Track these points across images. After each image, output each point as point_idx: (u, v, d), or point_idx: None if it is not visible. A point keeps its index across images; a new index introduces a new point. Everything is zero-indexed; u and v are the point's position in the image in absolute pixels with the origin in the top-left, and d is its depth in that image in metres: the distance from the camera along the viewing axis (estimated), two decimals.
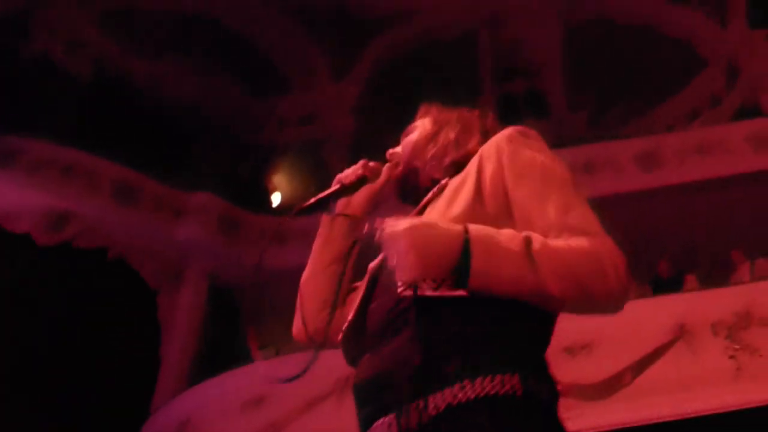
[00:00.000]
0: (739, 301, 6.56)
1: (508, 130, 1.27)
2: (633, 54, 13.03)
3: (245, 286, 10.46)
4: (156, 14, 12.31)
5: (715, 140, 9.82)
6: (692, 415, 5.95)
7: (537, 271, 1.03)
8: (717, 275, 8.46)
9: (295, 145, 13.67)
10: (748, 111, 11.54)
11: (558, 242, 1.07)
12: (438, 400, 1.02)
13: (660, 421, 5.90)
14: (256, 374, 7.58)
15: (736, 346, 6.29)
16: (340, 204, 1.44)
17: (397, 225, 1.05)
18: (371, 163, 1.44)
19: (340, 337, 1.30)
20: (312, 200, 1.37)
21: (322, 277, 1.41)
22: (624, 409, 6.07)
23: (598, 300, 1.07)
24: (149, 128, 11.43)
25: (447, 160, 1.38)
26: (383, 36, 13.92)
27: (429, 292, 1.07)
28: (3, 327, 8.22)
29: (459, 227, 1.06)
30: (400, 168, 1.44)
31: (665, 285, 8.13)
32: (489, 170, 1.21)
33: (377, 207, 1.46)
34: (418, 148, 1.43)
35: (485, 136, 1.38)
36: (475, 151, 1.32)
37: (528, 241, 1.05)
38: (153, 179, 10.27)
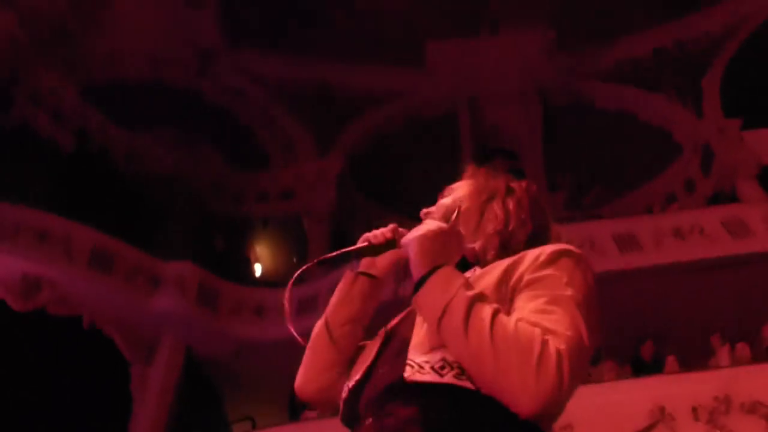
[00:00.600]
0: (720, 385, 6.52)
1: (561, 246, 1.23)
2: (611, 138, 13.41)
3: (222, 359, 10.24)
4: (139, 86, 12.52)
5: (691, 224, 10.00)
6: None
7: (465, 319, 1.05)
8: (697, 357, 8.44)
9: (276, 217, 13.71)
10: (722, 196, 11.83)
11: (510, 318, 1.07)
12: None
13: None
14: None
15: (718, 431, 6.22)
16: (364, 263, 1.41)
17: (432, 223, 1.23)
18: (401, 230, 1.39)
19: (344, 394, 1.28)
20: (337, 252, 1.34)
21: (334, 337, 1.38)
22: None
23: (504, 385, 1.02)
24: (128, 197, 11.46)
25: (495, 244, 1.34)
26: (365, 114, 14.23)
27: (430, 377, 1.08)
28: None
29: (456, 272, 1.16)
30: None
31: (646, 366, 8.09)
32: (517, 272, 1.19)
33: (400, 274, 1.41)
34: (465, 217, 1.40)
35: (535, 222, 1.38)
36: (523, 242, 1.32)
37: (479, 297, 1.09)
38: (130, 246, 10.18)
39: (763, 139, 11.79)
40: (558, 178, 14.51)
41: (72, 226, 9.72)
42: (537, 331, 1.04)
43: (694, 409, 6.34)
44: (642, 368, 8.03)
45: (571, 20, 13.14)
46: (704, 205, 11.48)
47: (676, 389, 6.59)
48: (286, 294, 1.34)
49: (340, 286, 1.42)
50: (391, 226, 1.41)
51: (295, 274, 1.35)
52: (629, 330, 8.41)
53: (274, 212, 13.70)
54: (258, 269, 14.03)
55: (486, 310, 1.07)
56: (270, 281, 12.52)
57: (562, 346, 1.02)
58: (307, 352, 1.41)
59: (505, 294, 1.17)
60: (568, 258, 1.19)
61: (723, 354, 8.18)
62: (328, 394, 1.37)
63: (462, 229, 1.37)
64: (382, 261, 1.40)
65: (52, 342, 8.86)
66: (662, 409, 6.34)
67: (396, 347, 1.23)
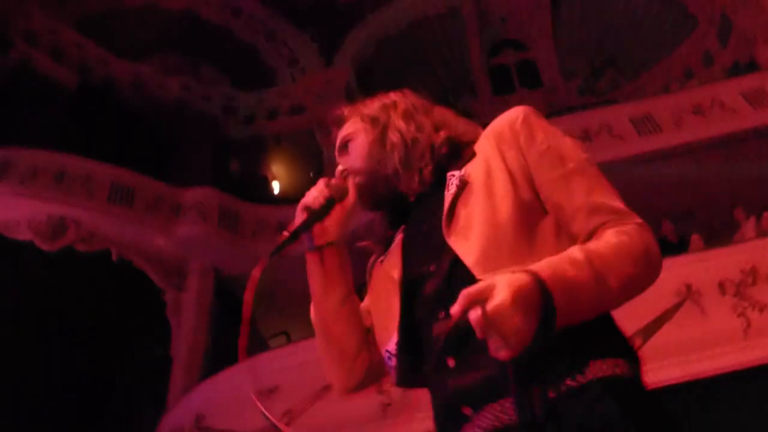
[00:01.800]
0: (746, 258, 6.54)
1: (520, 111, 1.21)
2: (622, 18, 12.93)
3: (249, 276, 10.45)
4: (135, 14, 12.21)
5: (711, 99, 9.75)
6: (703, 376, 5.96)
7: (607, 289, 1.03)
8: (722, 234, 8.44)
9: (288, 133, 13.62)
10: (742, 67, 11.46)
11: (605, 246, 1.06)
12: (554, 386, 1.00)
13: (672, 383, 5.91)
14: (267, 363, 7.61)
15: (745, 304, 6.28)
16: (316, 233, 1.29)
17: (498, 300, 0.92)
18: (333, 181, 1.31)
19: (392, 362, 1.20)
20: (285, 236, 1.22)
21: (341, 324, 1.29)
22: None
23: (650, 282, 1.10)
24: (139, 129, 11.40)
25: (443, 149, 1.27)
26: (368, 19, 13.81)
27: None
28: (14, 333, 8.23)
29: (527, 277, 0.95)
30: (362, 179, 1.30)
31: (671, 247, 8.11)
32: (512, 156, 1.17)
33: (351, 226, 1.33)
34: (376, 154, 1.30)
35: (431, 116, 1.33)
36: (466, 134, 1.28)
37: (590, 264, 1.02)
38: (148, 177, 10.23)
39: None
40: (571, 64, 14.12)
41: (89, 164, 9.76)
42: (622, 236, 1.08)
43: (721, 284, 6.39)
44: (667, 249, 8.06)
45: None
46: (724, 78, 11.13)
47: (702, 266, 6.62)
48: (244, 307, 1.25)
49: (311, 271, 1.31)
50: (320, 182, 1.31)
51: (254, 276, 1.25)
52: (652, 212, 8.38)
53: (286, 128, 13.59)
54: (276, 187, 14.09)
55: (584, 263, 1.02)
56: (290, 198, 12.60)
57: (637, 221, 1.11)
58: (323, 355, 1.32)
59: (522, 182, 1.15)
60: (536, 117, 1.21)
61: (748, 227, 8.16)
62: (372, 376, 1.31)
63: (393, 160, 1.27)
64: (332, 222, 1.30)
65: (85, 278, 9.08)
66: (689, 287, 6.40)
67: (433, 285, 1.15)
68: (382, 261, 1.31)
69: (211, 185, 10.79)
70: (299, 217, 1.26)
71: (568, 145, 1.19)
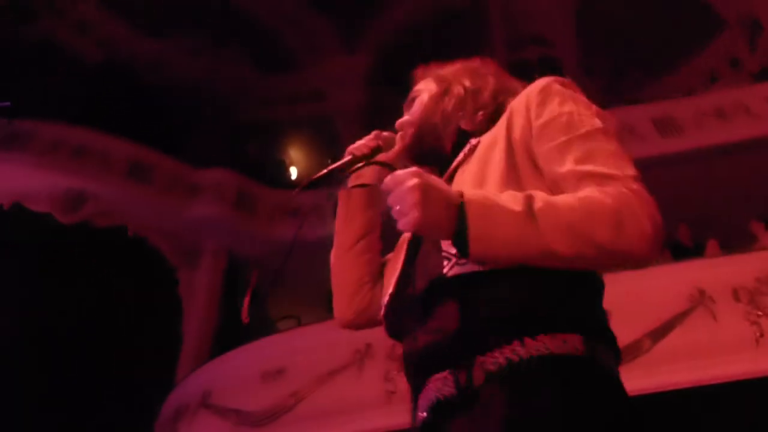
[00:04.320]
0: (762, 267, 6.46)
1: (542, 80, 1.20)
2: (649, 16, 12.76)
3: (263, 260, 10.52)
4: None
5: (736, 103, 9.62)
6: (713, 382, 5.92)
7: (540, 230, 0.96)
8: (740, 240, 8.36)
9: (308, 119, 13.61)
10: None
11: (565, 196, 1.01)
12: (498, 356, 0.98)
13: (680, 387, 5.88)
14: (275, 346, 7.66)
15: (759, 312, 6.22)
16: (354, 177, 1.39)
17: (406, 178, 0.98)
18: (384, 133, 1.39)
19: (382, 311, 1.27)
20: (323, 171, 1.31)
21: (350, 257, 1.37)
22: (643, 375, 6.04)
23: (619, 253, 0.98)
24: (159, 107, 11.44)
25: (479, 115, 1.31)
26: (392, 6, 13.73)
27: (471, 267, 1.05)
28: (29, 302, 8.35)
29: (456, 191, 1.00)
30: (413, 129, 1.35)
31: (686, 251, 8.05)
32: (518, 126, 1.16)
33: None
34: (432, 106, 1.35)
35: (500, 81, 1.36)
36: (502, 101, 1.29)
37: (529, 200, 0.99)
38: (166, 156, 10.30)
39: None
40: (594, 63, 13.99)
41: (108, 140, 9.83)
42: (596, 192, 1.00)
43: (735, 291, 6.33)
44: (682, 253, 7.99)
45: None
46: (751, 83, 10.97)
47: (717, 272, 6.55)
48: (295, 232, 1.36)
49: (339, 209, 1.40)
50: (373, 133, 1.39)
51: (298, 189, 1.34)
52: (670, 215, 8.27)
53: (306, 114, 13.59)
54: (294, 172, 14.12)
55: (541, 206, 0.99)
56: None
57: (627, 188, 1.01)
58: (333, 283, 1.39)
59: (522, 153, 1.14)
60: (558, 86, 1.17)
61: (765, 237, 8.07)
62: (367, 316, 1.36)
63: (439, 115, 1.33)
64: (370, 169, 1.38)
65: (101, 253, 9.18)
66: (702, 293, 6.35)
67: (428, 248, 1.19)
68: None
69: (228, 167, 10.84)
70: (343, 159, 1.34)
71: (584, 113, 1.13)
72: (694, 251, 8.05)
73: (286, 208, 10.92)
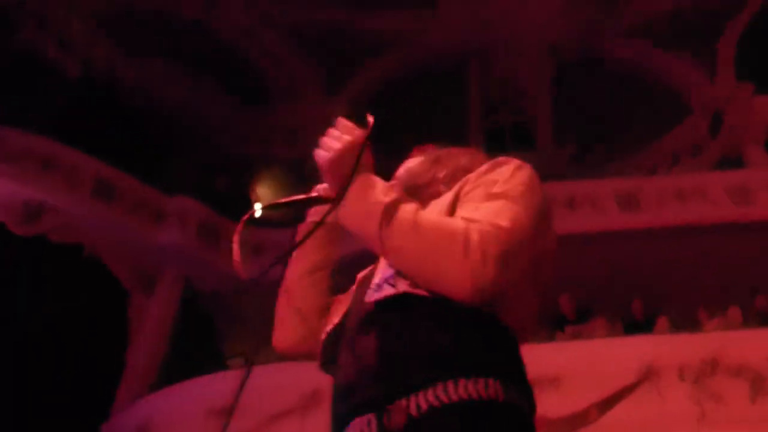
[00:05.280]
0: (708, 348, 6.63)
1: (504, 158, 1.27)
2: (621, 95, 13.25)
3: (220, 294, 10.37)
4: (148, 17, 12.29)
5: (695, 187, 9.97)
6: None
7: (387, 223, 1.07)
8: (689, 319, 8.56)
9: (279, 159, 13.66)
10: (729, 162, 11.77)
11: (430, 215, 1.11)
12: (420, 401, 0.99)
13: None
14: (223, 383, 7.50)
15: (702, 393, 6.35)
16: (314, 213, 1.43)
17: (356, 134, 1.25)
18: None
19: (322, 338, 1.30)
20: (286, 199, 1.38)
21: (297, 289, 1.40)
22: None
23: (439, 276, 1.03)
24: (133, 129, 11.38)
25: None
26: (373, 60, 14.02)
27: (386, 291, 1.11)
28: None
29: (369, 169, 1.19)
30: (396, 182, 1.42)
31: (637, 325, 8.20)
32: (467, 185, 1.22)
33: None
34: (416, 172, 1.45)
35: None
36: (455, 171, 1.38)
37: (399, 199, 1.12)
38: (134, 179, 10.19)
39: None
40: (565, 134, 14.40)
41: (76, 155, 9.70)
42: (460, 221, 1.08)
43: (681, 370, 6.46)
44: (633, 327, 8.14)
45: None
46: (710, 169, 11.41)
47: (665, 349, 6.69)
48: (235, 236, 1.39)
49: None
50: None
51: (243, 217, 1.38)
52: (623, 288, 8.49)
53: (278, 154, 13.64)
54: (258, 209, 14.06)
55: (407, 209, 1.10)
56: (270, 222, 12.56)
57: (486, 228, 1.04)
58: (277, 307, 1.42)
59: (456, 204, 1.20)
60: (507, 164, 1.22)
61: (710, 324, 8.25)
62: (304, 347, 1.38)
63: (425, 178, 1.42)
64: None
65: (51, 268, 8.96)
66: (649, 368, 6.47)
67: (362, 290, 1.25)
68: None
69: (196, 197, 10.76)
70: (309, 194, 1.45)
71: (512, 182, 1.17)
72: (645, 326, 8.21)
73: (248, 245, 10.83)
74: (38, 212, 9.28)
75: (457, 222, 1.07)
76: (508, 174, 1.19)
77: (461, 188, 1.22)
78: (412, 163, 1.49)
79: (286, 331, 1.39)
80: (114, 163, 9.99)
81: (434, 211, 1.18)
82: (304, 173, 13.07)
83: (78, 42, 11.60)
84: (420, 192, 1.38)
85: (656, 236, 9.41)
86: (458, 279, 1.01)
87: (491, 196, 1.13)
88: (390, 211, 1.09)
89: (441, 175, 1.41)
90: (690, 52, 13.11)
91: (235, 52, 13.57)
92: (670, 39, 13.19)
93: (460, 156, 1.48)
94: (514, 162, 1.24)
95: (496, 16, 13.45)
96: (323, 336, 1.31)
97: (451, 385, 0.99)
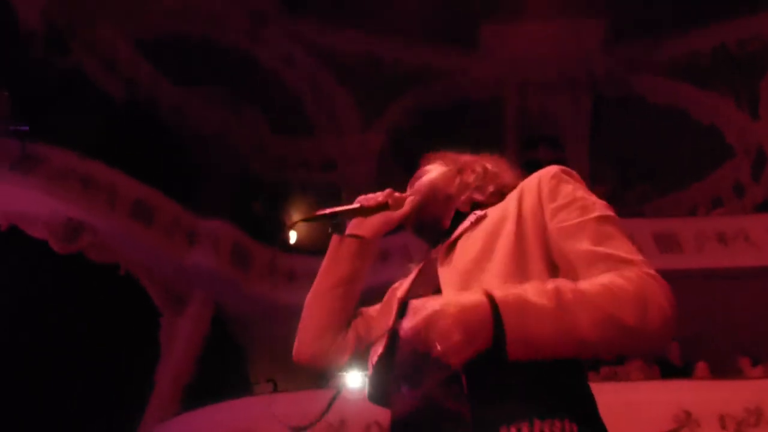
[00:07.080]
0: (752, 397, 6.38)
1: (552, 168, 1.27)
2: (660, 134, 13.09)
3: (250, 319, 10.38)
4: (192, 43, 12.59)
5: (737, 230, 9.74)
6: None
7: (573, 322, 0.98)
8: (728, 365, 8.28)
9: (315, 186, 13.75)
10: None
11: (590, 284, 1.03)
12: None
13: None
14: (248, 409, 7.46)
15: None
16: (353, 225, 1.42)
17: (428, 309, 0.96)
18: (397, 194, 1.43)
19: (370, 370, 1.27)
20: (327, 210, 1.35)
21: (325, 301, 1.37)
22: None
23: (644, 335, 1.02)
24: (172, 152, 11.59)
25: (490, 188, 1.40)
26: (412, 91, 14.12)
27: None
28: (10, 325, 8.20)
29: (483, 293, 0.98)
30: (420, 198, 1.42)
31: (675, 369, 7.96)
32: (529, 204, 1.21)
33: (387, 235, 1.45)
34: (441, 181, 1.43)
35: (516, 172, 1.44)
36: (515, 185, 1.32)
37: (558, 293, 1.00)
38: (171, 200, 10.33)
39: None
40: (602, 171, 14.24)
41: (117, 176, 9.89)
42: (617, 278, 1.03)
43: (722, 418, 6.22)
44: (671, 371, 7.90)
45: (629, 10, 12.76)
46: (752, 212, 11.14)
47: (705, 395, 6.47)
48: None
49: (328, 252, 1.42)
50: (386, 191, 1.43)
51: (288, 227, 1.37)
52: None
53: (314, 181, 13.75)
54: (293, 236, 14.12)
55: (567, 294, 1.00)
56: (303, 248, 12.62)
57: (646, 270, 1.06)
58: (301, 318, 1.40)
59: (533, 228, 1.17)
60: (566, 175, 1.25)
61: (752, 372, 7.96)
62: (324, 361, 1.36)
63: (452, 189, 1.42)
64: (372, 222, 1.40)
65: (88, 285, 9.08)
66: (688, 414, 6.24)
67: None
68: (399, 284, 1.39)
69: (230, 220, 10.86)
70: (350, 206, 1.40)
71: (594, 200, 1.21)
72: (683, 371, 7.96)
73: (281, 269, 10.88)
74: (78, 230, 9.44)
75: (615, 280, 1.03)
76: (578, 188, 1.22)
77: (521, 203, 1.22)
78: (432, 174, 1.47)
79: (306, 342, 1.37)
80: (152, 182, 10.16)
81: (500, 242, 1.17)
82: (338, 201, 13.14)
83: (123, 65, 11.92)
84: (453, 200, 1.39)
85: (697, 279, 9.18)
86: (653, 333, 1.02)
87: (597, 220, 1.15)
88: (567, 312, 0.99)
89: (470, 180, 1.41)
90: (732, 91, 12.91)
91: (275, 80, 13.80)
92: (711, 77, 13.02)
93: (480, 161, 1.48)
94: (566, 175, 1.26)
95: (536, 52, 13.46)
96: (370, 367, 1.27)
97: (525, 427, 0.99)
